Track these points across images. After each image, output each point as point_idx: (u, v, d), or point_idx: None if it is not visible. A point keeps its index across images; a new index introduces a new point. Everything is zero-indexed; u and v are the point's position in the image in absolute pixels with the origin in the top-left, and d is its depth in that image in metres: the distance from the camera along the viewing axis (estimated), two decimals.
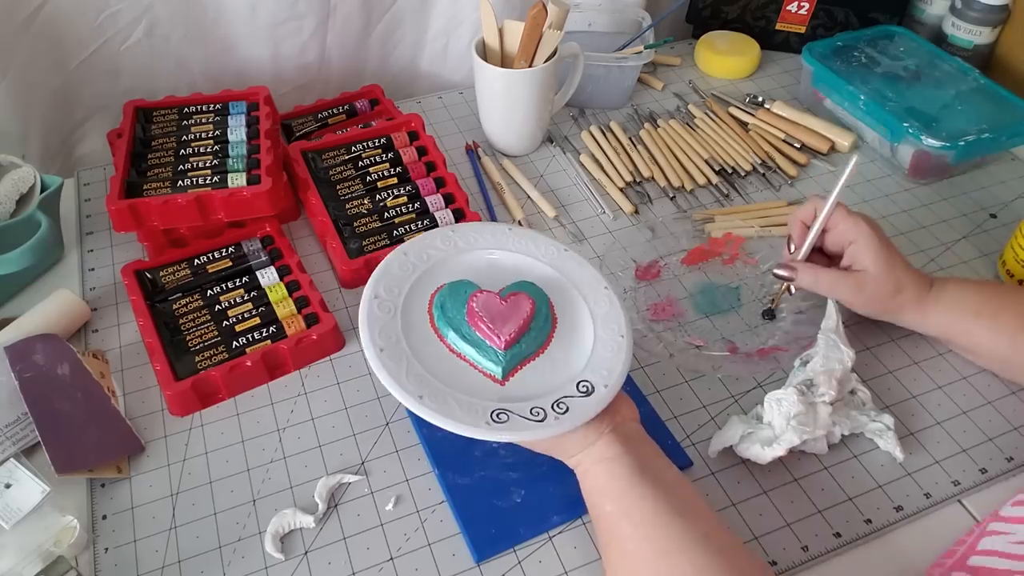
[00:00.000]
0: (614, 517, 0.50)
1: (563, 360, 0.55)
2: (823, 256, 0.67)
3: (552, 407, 0.51)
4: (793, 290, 0.67)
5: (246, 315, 0.68)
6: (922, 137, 0.81)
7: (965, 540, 0.54)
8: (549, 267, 0.60)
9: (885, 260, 0.62)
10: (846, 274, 0.63)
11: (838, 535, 0.57)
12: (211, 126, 0.78)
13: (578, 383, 0.53)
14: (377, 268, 0.58)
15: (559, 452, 0.54)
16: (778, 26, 1.06)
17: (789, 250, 0.67)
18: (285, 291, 0.70)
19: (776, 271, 0.65)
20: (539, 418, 0.50)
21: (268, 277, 0.71)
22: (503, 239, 0.62)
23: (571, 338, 0.57)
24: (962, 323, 0.63)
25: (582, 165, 0.89)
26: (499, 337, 0.53)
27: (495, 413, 0.50)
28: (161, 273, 0.71)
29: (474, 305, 0.55)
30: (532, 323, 0.55)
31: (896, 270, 0.62)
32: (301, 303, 0.69)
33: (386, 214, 0.77)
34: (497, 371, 0.53)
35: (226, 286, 0.70)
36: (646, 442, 0.53)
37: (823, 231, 0.65)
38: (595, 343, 0.56)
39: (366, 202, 0.78)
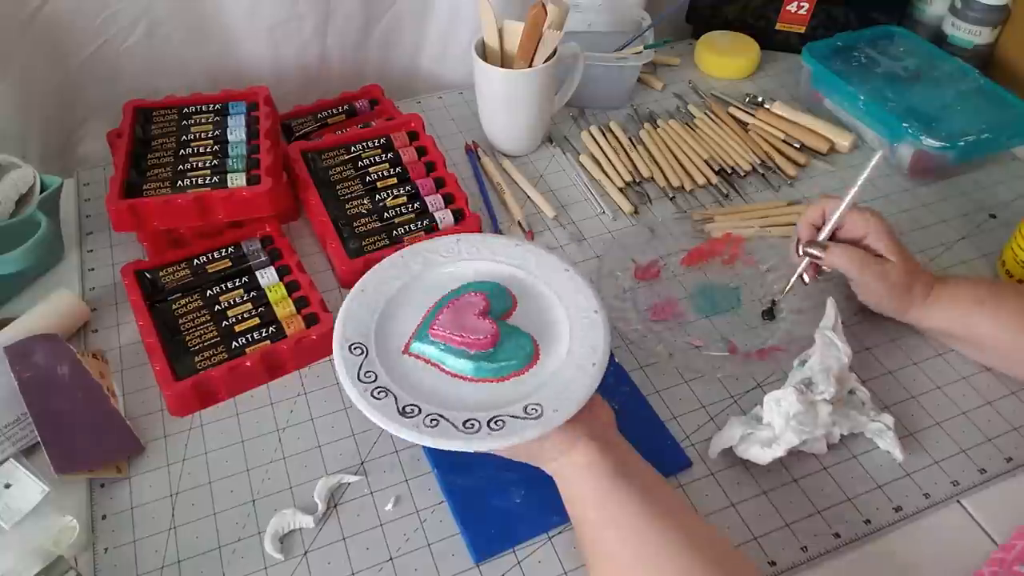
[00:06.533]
0: (598, 524, 0.50)
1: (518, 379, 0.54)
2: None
3: (488, 423, 0.50)
4: (807, 279, 0.66)
5: (246, 315, 0.68)
6: (921, 137, 0.81)
7: None
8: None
9: (900, 252, 0.63)
10: (875, 258, 0.63)
11: (837, 535, 0.57)
12: (211, 126, 0.78)
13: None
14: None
15: (534, 459, 0.53)
16: (778, 26, 1.06)
17: (798, 252, 0.66)
18: (285, 291, 0.70)
19: (808, 249, 0.64)
20: (472, 430, 0.49)
21: (268, 277, 0.71)
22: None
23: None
24: (966, 315, 0.63)
25: (582, 165, 0.89)
26: (434, 327, 0.54)
27: (429, 418, 0.50)
28: (161, 273, 0.71)
29: (454, 304, 0.56)
30: (476, 355, 0.54)
31: (910, 264, 0.63)
32: (301, 303, 0.69)
33: (386, 214, 0.77)
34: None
35: (226, 286, 0.70)
36: (623, 444, 0.53)
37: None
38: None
39: (366, 202, 0.78)
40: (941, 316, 0.64)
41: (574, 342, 0.55)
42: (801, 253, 0.65)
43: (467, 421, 0.50)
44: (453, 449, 0.49)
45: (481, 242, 0.62)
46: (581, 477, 0.51)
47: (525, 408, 0.51)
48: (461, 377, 0.54)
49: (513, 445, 0.49)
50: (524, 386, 0.53)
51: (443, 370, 0.54)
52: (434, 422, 0.50)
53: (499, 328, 0.55)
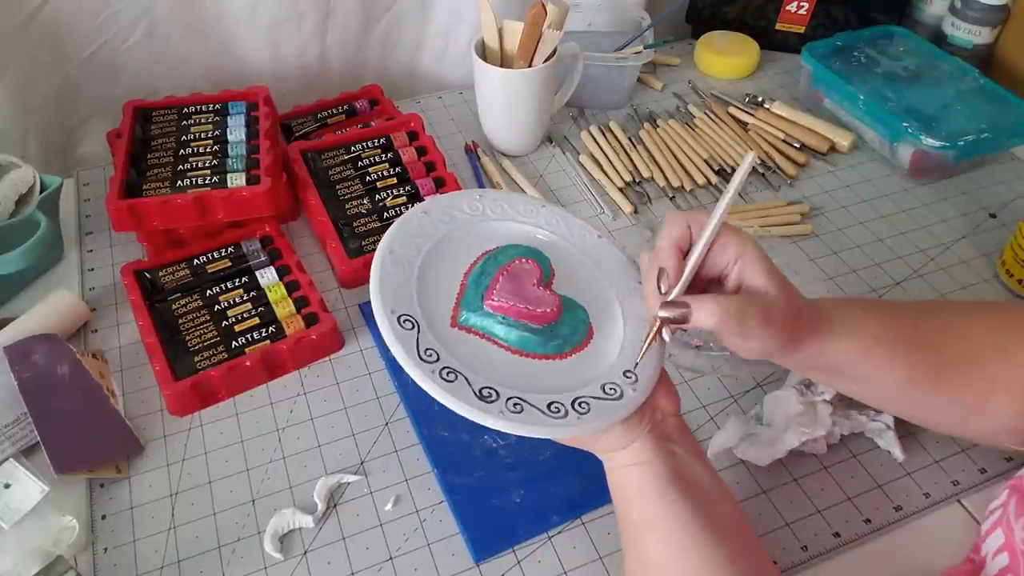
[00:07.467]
0: (640, 527, 0.47)
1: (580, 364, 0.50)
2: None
3: (573, 405, 0.46)
4: (667, 336, 0.47)
5: (245, 315, 0.68)
6: (921, 137, 0.81)
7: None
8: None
9: (778, 277, 0.46)
10: (751, 299, 0.45)
11: (837, 535, 0.57)
12: (211, 126, 0.78)
13: (604, 384, 0.48)
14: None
15: (588, 446, 0.50)
16: (778, 26, 1.06)
17: (660, 288, 0.47)
18: (284, 291, 0.70)
19: (662, 312, 0.45)
20: (559, 414, 0.45)
21: (267, 277, 0.71)
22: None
23: (594, 349, 0.51)
24: (864, 351, 0.49)
25: (581, 165, 0.89)
26: (491, 297, 0.49)
27: (511, 402, 0.45)
28: (160, 273, 0.71)
29: (507, 271, 0.51)
30: (539, 328, 0.49)
31: (790, 289, 0.47)
32: (300, 303, 0.69)
33: (385, 214, 0.77)
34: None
35: (225, 286, 0.70)
36: (684, 441, 0.49)
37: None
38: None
39: (365, 202, 0.78)
40: (836, 353, 0.49)
41: (627, 315, 0.52)
42: (657, 316, 0.46)
43: (551, 404, 0.45)
44: (540, 436, 0.45)
45: (505, 200, 0.57)
46: (628, 476, 0.47)
47: (604, 388, 0.47)
48: (518, 353, 0.49)
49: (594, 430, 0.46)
50: (587, 363, 0.49)
51: (499, 344, 0.49)
52: (518, 407, 0.45)
53: (563, 302, 0.50)
